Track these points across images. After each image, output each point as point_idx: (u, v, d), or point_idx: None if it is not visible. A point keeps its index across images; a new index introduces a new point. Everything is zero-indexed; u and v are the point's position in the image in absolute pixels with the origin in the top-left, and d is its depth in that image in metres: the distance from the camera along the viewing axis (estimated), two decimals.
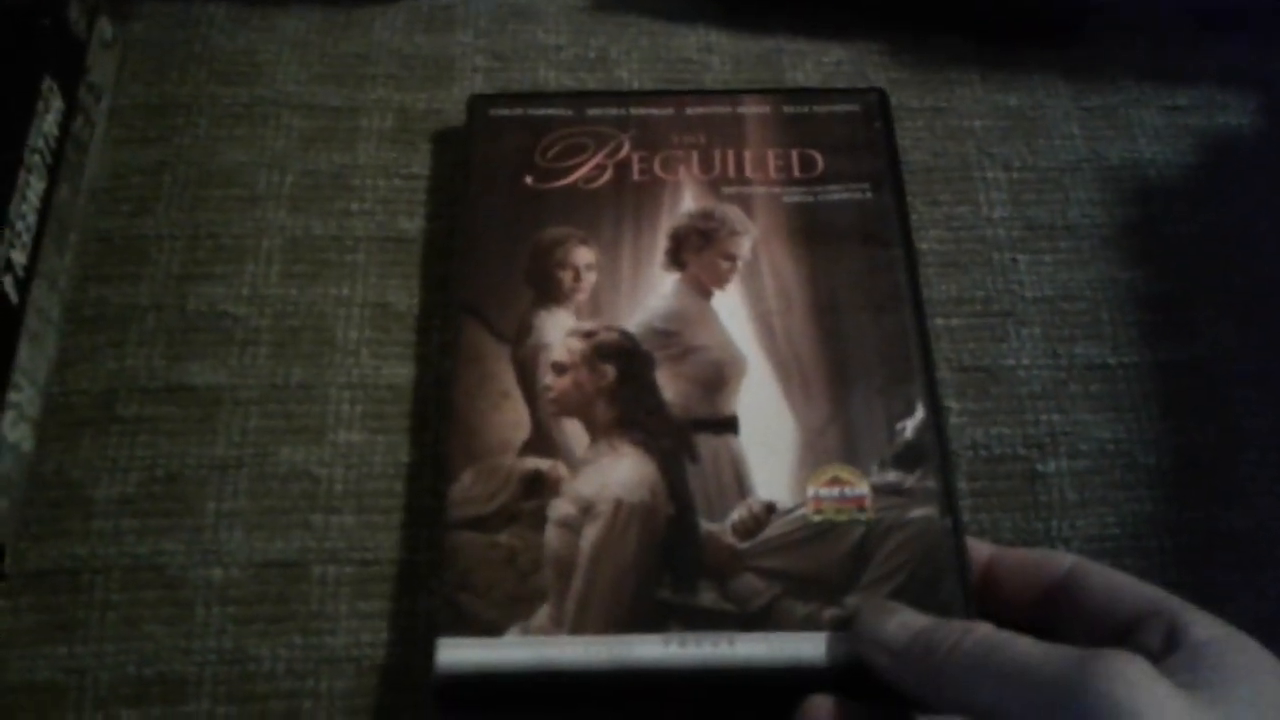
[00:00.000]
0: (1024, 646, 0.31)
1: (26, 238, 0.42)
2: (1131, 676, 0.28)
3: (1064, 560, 0.37)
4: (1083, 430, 0.45)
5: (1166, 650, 0.32)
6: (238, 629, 0.40)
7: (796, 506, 0.40)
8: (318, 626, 0.41)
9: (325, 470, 0.43)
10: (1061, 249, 0.49)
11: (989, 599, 0.38)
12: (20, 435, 0.41)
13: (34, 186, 0.42)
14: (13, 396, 0.41)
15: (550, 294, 0.44)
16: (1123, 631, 0.33)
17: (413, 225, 0.49)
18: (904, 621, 0.35)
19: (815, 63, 0.54)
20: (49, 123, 0.44)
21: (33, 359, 0.42)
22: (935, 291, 0.48)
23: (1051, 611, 0.36)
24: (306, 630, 0.41)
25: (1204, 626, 0.32)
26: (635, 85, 0.53)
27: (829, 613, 0.38)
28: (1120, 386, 0.46)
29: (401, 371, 0.45)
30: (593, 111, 0.49)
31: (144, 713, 0.39)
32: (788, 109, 0.49)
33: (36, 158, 0.43)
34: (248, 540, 0.42)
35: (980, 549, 0.39)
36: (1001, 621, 0.35)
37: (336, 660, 0.40)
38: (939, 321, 0.47)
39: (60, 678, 0.39)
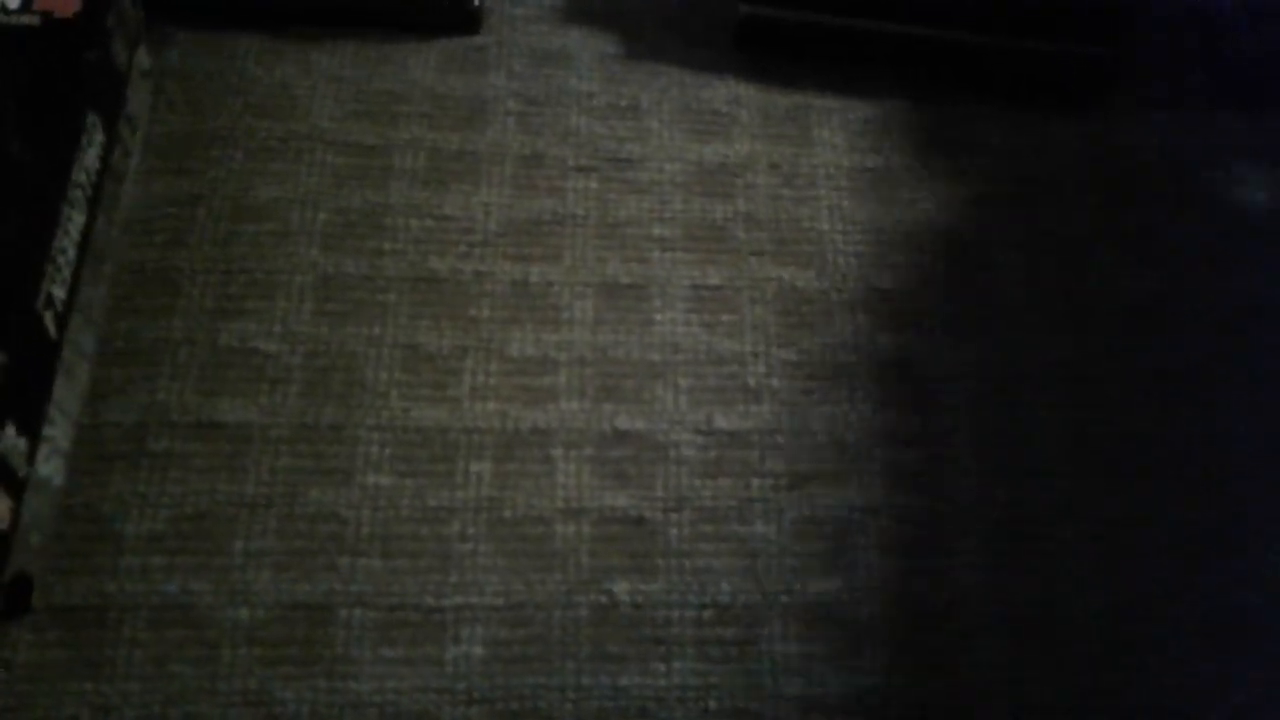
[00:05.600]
0: None
1: (66, 272, 0.42)
2: None
3: None
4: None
5: None
6: (263, 671, 0.41)
7: None
8: (343, 670, 0.41)
9: (353, 512, 0.44)
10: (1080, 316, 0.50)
11: None
12: (52, 470, 0.42)
13: (75, 221, 0.43)
14: (47, 431, 0.41)
15: None
16: None
17: (444, 265, 0.49)
18: None
19: (841, 119, 0.55)
20: (91, 156, 0.44)
21: (66, 393, 0.42)
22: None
23: None
24: (332, 674, 0.41)
25: None
26: (665, 135, 0.54)
27: None
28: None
29: (430, 414, 0.46)
30: None
31: None
32: None
33: (78, 192, 0.43)
34: (275, 581, 0.42)
35: None
36: None
37: (361, 705, 0.40)
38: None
39: (86, 715, 0.39)
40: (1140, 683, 0.43)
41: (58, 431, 0.42)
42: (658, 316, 0.49)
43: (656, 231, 0.51)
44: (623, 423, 0.47)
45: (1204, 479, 0.47)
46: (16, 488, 0.39)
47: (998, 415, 0.48)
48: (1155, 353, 0.50)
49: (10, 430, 0.38)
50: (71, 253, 0.42)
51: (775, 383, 0.48)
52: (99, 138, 0.45)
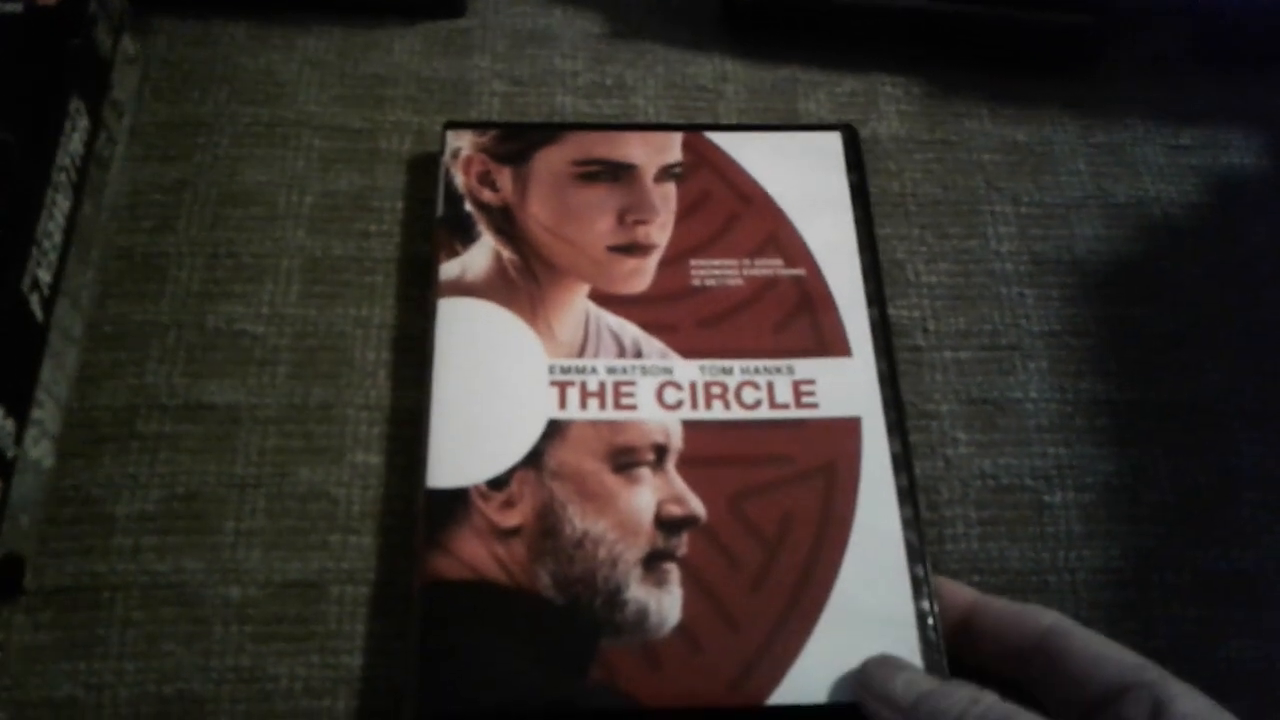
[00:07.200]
0: None
1: (53, 256, 0.42)
2: None
3: (1044, 617, 0.37)
4: (1088, 464, 0.46)
5: None
6: (256, 648, 0.41)
7: None
8: (335, 646, 0.41)
9: (343, 490, 0.44)
10: (1068, 284, 0.50)
11: (967, 648, 0.38)
12: (41, 452, 0.42)
13: (60, 205, 0.43)
14: (35, 414, 0.41)
15: None
16: (1104, 699, 0.34)
17: (430, 247, 0.49)
18: (910, 680, 0.36)
19: (828, 92, 0.55)
20: (75, 142, 0.44)
21: (54, 376, 0.43)
22: (944, 324, 0.49)
23: (1030, 669, 0.36)
24: (324, 650, 0.41)
25: (1188, 701, 0.32)
26: (651, 112, 0.54)
27: None
28: (1124, 422, 0.47)
29: (418, 394, 0.46)
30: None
31: None
32: None
33: (63, 176, 0.43)
34: (266, 559, 0.42)
35: (962, 593, 0.39)
36: (980, 672, 0.36)
37: (353, 680, 0.41)
38: (947, 354, 0.48)
39: (80, 694, 0.40)
40: None
41: (46, 415, 0.42)
42: None
43: None
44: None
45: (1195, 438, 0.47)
46: (5, 469, 0.39)
47: (987, 382, 0.48)
48: (1146, 318, 0.50)
49: None
50: (57, 237, 0.43)
51: None
52: (83, 123, 0.45)
